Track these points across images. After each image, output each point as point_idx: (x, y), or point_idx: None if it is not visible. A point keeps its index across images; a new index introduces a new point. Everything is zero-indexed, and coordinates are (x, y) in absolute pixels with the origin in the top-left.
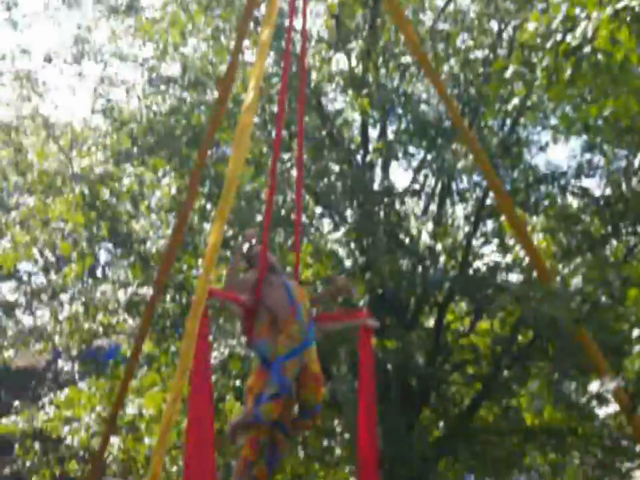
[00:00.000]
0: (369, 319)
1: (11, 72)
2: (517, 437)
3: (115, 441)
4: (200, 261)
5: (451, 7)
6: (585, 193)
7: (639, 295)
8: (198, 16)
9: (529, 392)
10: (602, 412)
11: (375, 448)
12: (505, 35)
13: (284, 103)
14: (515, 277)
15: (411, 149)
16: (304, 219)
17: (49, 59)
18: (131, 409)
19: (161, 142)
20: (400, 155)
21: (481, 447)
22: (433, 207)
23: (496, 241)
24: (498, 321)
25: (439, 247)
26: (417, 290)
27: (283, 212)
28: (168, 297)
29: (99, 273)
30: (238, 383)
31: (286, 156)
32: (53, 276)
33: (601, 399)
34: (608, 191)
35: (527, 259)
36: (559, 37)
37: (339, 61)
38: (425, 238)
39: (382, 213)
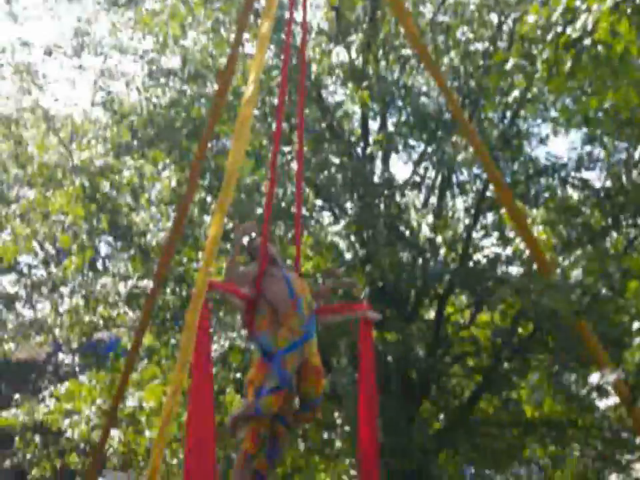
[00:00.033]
0: (369, 311)
1: (11, 65)
2: (517, 429)
3: (115, 433)
4: (200, 253)
5: None
6: (585, 185)
7: (639, 287)
8: (198, 8)
9: (529, 384)
10: (602, 404)
11: (375, 440)
12: (505, 28)
13: (284, 96)
14: (515, 270)
15: (411, 142)
16: (304, 211)
17: (49, 52)
18: (131, 402)
19: (161, 134)
20: (400, 147)
21: (481, 439)
22: (433, 200)
23: (496, 233)
24: (498, 313)
25: (439, 239)
26: (417, 282)
27: (283, 204)
28: (168, 290)
29: (99, 265)
30: (238, 375)
31: (286, 148)
32: (53, 269)
33: (601, 391)
34: (608, 183)
35: (527, 252)
36: (559, 29)
37: (339, 54)
38: (425, 230)
39: (382, 206)
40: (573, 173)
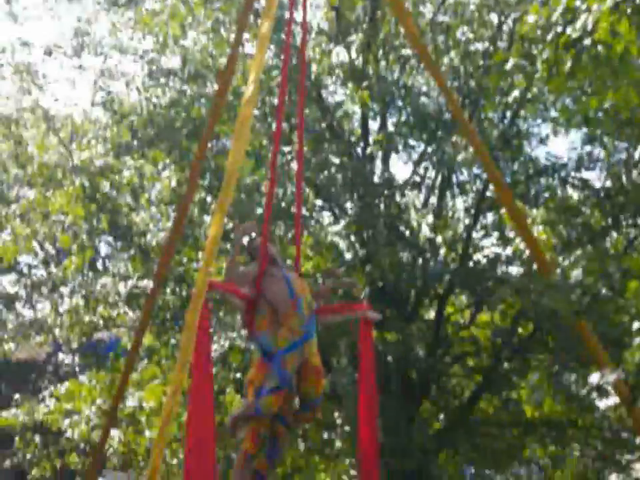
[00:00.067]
0: (369, 311)
1: (11, 65)
2: (517, 429)
3: (115, 433)
4: (200, 253)
5: None
6: (585, 185)
7: (639, 287)
8: (198, 8)
9: (529, 384)
10: (602, 404)
11: (375, 440)
12: (505, 28)
13: (284, 96)
14: (515, 270)
15: (411, 142)
16: (304, 211)
17: (49, 52)
18: (131, 402)
19: (161, 134)
20: (400, 147)
21: (481, 439)
22: (433, 200)
23: (496, 233)
24: (498, 313)
25: (439, 239)
26: (417, 282)
27: (283, 204)
28: (168, 290)
29: (99, 265)
30: (238, 375)
31: (286, 149)
32: (53, 269)
33: (601, 391)
34: (608, 183)
35: (527, 251)
36: (559, 29)
37: (339, 53)
38: (425, 230)
39: (382, 206)
40: (573, 173)
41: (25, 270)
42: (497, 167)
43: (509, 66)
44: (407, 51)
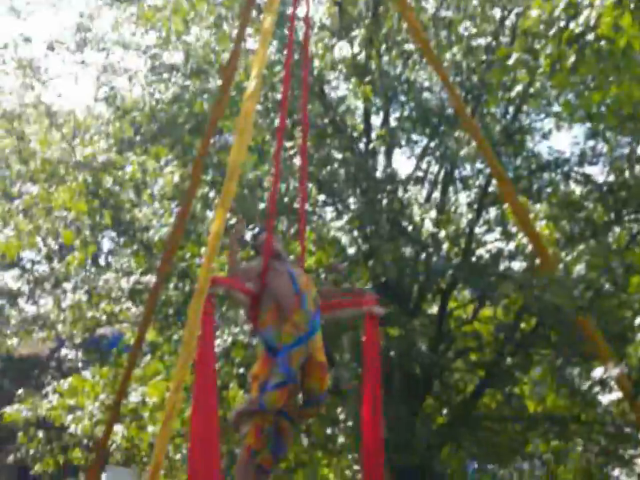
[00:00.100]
0: (375, 306)
1: (13, 60)
2: (519, 424)
3: (118, 429)
4: (203, 249)
5: None
6: (587, 180)
7: None
8: (200, 3)
9: (532, 379)
10: (605, 399)
11: (380, 436)
12: (507, 22)
13: (288, 91)
14: (517, 265)
15: (414, 137)
16: (307, 206)
17: (51, 47)
18: (134, 397)
19: (163, 130)
20: (403, 142)
21: (484, 434)
22: (436, 195)
23: (499, 228)
24: (501, 308)
25: (441, 234)
26: (420, 277)
27: (285, 200)
28: (171, 285)
29: (102, 261)
30: (241, 370)
31: (288, 144)
32: (56, 264)
33: (604, 386)
34: (611, 178)
35: (529, 246)
36: (562, 24)
37: (342, 49)
38: (428, 225)
39: (385, 201)
40: (575, 168)
41: (28, 265)
42: (499, 161)
43: (511, 61)
44: (409, 46)
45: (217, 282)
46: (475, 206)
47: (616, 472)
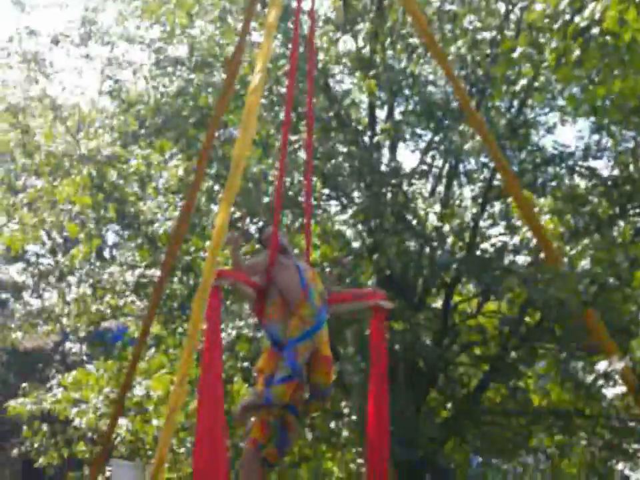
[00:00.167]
0: (382, 300)
1: (18, 53)
2: (524, 418)
3: (122, 422)
4: (207, 242)
5: None
6: (592, 173)
7: None
8: None
9: (536, 373)
10: (609, 393)
11: (385, 430)
12: (512, 16)
13: (293, 85)
14: (522, 259)
15: (419, 130)
16: (311, 200)
17: (56, 41)
18: (138, 391)
19: (168, 123)
20: (407, 136)
21: (488, 428)
22: (441, 188)
23: (503, 222)
24: (505, 302)
25: (446, 228)
26: (425, 271)
27: (290, 193)
28: (175, 279)
29: (106, 254)
30: (246, 364)
31: (293, 137)
32: (60, 258)
33: (608, 379)
34: (615, 172)
35: (534, 240)
36: (567, 17)
37: (347, 42)
38: (433, 219)
39: (389, 194)
40: (580, 162)
41: (33, 259)
42: (504, 155)
43: (516, 55)
44: (414, 40)
45: (222, 275)
46: (480, 200)
47: (620, 466)
